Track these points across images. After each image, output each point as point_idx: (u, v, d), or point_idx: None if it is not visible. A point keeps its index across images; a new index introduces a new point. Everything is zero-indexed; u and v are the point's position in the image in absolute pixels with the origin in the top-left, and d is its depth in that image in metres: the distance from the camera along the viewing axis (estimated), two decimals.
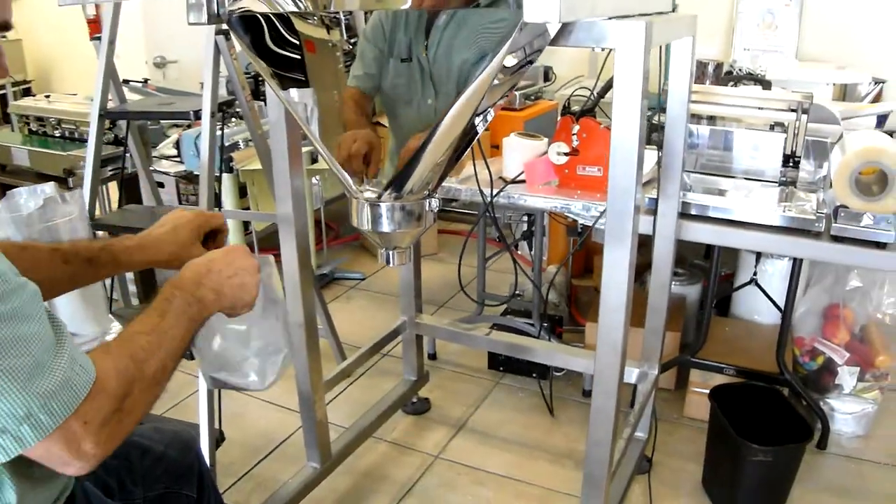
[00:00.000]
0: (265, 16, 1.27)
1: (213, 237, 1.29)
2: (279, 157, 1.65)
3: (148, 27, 4.42)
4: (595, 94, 2.24)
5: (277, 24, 1.27)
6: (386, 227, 1.37)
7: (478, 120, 1.24)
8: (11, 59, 3.55)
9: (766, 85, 2.52)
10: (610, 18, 1.19)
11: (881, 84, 2.97)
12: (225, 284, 1.04)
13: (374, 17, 1.26)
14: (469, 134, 1.27)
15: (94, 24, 2.55)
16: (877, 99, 2.97)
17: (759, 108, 2.10)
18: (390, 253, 1.45)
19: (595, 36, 1.19)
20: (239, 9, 1.28)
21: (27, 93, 5.03)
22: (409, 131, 1.33)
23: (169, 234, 1.20)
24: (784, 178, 2.12)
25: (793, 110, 2.05)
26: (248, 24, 1.30)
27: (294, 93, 1.33)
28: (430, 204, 1.38)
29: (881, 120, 2.53)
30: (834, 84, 2.80)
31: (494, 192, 2.15)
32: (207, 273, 1.03)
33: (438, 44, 1.18)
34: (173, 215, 1.25)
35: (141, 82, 3.82)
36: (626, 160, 1.26)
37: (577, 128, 2.12)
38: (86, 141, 2.47)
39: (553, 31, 1.17)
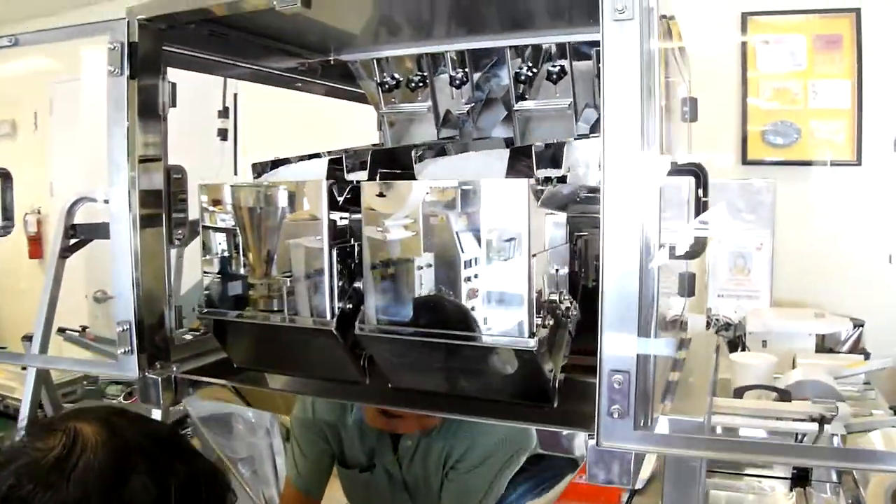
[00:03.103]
0: None
1: None
2: None
3: (90, 260, 4.36)
4: None
5: None
6: None
7: None
8: None
9: (784, 395, 2.41)
10: None
11: (860, 328, 2.93)
12: None
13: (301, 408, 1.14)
14: None
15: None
16: (856, 343, 2.92)
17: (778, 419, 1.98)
18: None
19: None
20: None
21: None
22: None
23: None
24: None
25: (814, 420, 1.93)
26: None
27: None
28: None
29: None
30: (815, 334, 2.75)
31: None
32: None
33: (416, 450, 1.05)
34: None
35: (78, 331, 3.65)
36: None
37: None
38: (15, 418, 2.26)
39: None
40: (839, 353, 2.84)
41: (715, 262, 3.23)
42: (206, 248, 1.38)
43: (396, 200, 1.14)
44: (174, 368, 1.44)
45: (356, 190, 1.21)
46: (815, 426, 1.95)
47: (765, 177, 3.25)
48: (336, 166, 1.32)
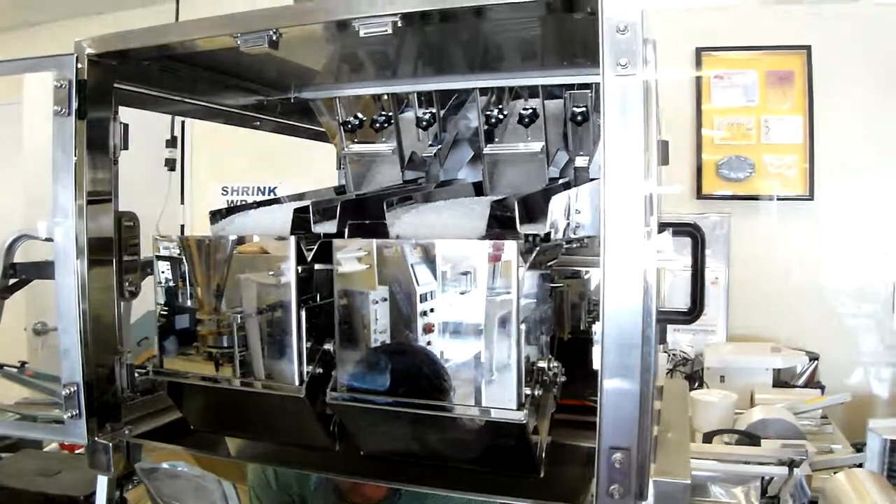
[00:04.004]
0: None
1: None
2: None
3: (30, 289, 4.15)
4: None
5: None
6: None
7: None
8: None
9: (752, 439, 2.39)
10: None
11: (815, 361, 2.95)
12: None
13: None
14: None
15: None
16: (812, 376, 2.94)
17: (746, 463, 1.96)
18: None
19: None
20: None
21: None
22: None
23: None
24: None
25: (783, 464, 1.92)
26: None
27: None
28: None
29: None
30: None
31: None
32: None
33: None
34: None
35: (16, 367, 3.45)
36: None
37: None
38: None
39: None
40: (795, 386, 2.85)
41: (670, 295, 3.22)
42: (161, 304, 1.28)
43: (372, 259, 1.07)
44: (126, 431, 1.33)
45: (326, 245, 1.13)
46: (784, 469, 1.93)
47: (719, 211, 3.27)
48: (301, 215, 1.23)
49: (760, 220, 3.29)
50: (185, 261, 1.26)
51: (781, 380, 2.87)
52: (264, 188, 3.92)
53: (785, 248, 3.24)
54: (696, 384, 2.87)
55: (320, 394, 1.12)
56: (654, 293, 0.94)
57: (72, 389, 1.27)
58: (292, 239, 1.13)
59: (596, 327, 1.49)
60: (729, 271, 3.25)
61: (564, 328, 1.40)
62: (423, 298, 1.04)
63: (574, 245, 1.39)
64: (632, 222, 0.91)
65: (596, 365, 1.19)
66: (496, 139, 1.57)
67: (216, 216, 1.32)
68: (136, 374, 1.39)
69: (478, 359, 1.01)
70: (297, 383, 1.13)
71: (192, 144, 4.03)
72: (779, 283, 3.21)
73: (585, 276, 1.52)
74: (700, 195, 3.36)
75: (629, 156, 0.91)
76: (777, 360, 2.82)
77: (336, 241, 1.10)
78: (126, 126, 1.39)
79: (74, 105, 1.28)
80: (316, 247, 1.15)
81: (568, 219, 1.20)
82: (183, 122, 3.78)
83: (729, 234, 3.25)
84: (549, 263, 1.20)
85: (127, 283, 1.40)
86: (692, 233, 1.04)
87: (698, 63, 3.35)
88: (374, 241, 1.07)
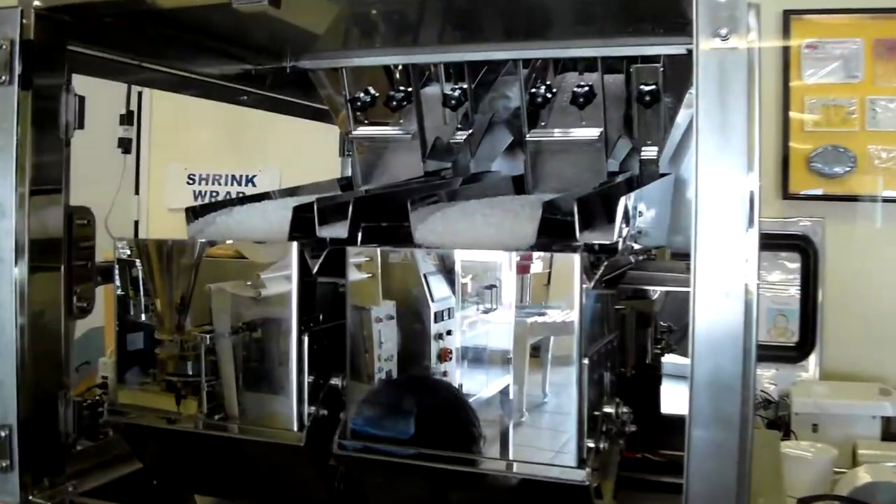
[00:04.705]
0: None
1: None
2: None
3: None
4: None
5: None
6: None
7: None
8: None
9: None
10: None
11: None
12: None
13: None
14: None
15: None
16: None
17: None
18: None
19: None
20: None
21: None
22: None
23: None
24: None
25: None
26: None
27: None
28: None
29: None
30: None
31: None
32: None
33: None
34: None
35: None
36: None
37: None
38: None
39: None
40: None
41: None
42: (120, 323, 1.28)
43: (396, 272, 1.07)
44: (70, 488, 1.32)
45: (336, 254, 1.13)
46: None
47: (811, 215, 3.23)
48: (301, 214, 1.23)
49: (862, 226, 3.26)
50: (152, 269, 1.26)
51: (893, 431, 2.84)
52: (241, 177, 3.92)
53: (892, 261, 3.21)
54: (782, 433, 2.84)
55: (325, 442, 1.12)
56: (754, 322, 0.93)
57: (3, 434, 1.27)
58: (294, 245, 1.13)
59: (666, 359, 1.50)
60: (823, 292, 3.22)
61: (628, 362, 1.39)
62: (458, 323, 1.05)
63: (639, 257, 1.39)
64: (731, 232, 0.91)
65: (667, 408, 1.18)
66: (542, 123, 1.57)
67: (194, 214, 1.32)
68: (86, 413, 1.39)
69: (529, 401, 1.00)
70: (295, 428, 1.13)
71: (151, 121, 4.03)
72: (885, 305, 3.18)
73: (653, 296, 1.52)
74: (786, 195, 3.33)
75: (730, 148, 0.91)
76: (886, 405, 2.77)
77: (350, 249, 1.10)
78: (82, 99, 1.39)
79: (17, 71, 1.27)
80: (324, 256, 1.15)
81: (629, 225, 1.19)
82: (140, 94, 3.79)
83: (823, 244, 3.22)
84: (615, 281, 1.19)
85: (76, 297, 1.39)
86: (801, 246, 1.03)
87: (786, 30, 3.32)
88: (402, 249, 1.08)
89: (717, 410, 0.91)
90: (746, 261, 0.91)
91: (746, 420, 0.92)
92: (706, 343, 0.92)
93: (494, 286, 1.02)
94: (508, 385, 1.02)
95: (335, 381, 1.15)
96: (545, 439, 1.01)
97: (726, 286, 0.91)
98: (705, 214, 0.91)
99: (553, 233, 1.11)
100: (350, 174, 1.74)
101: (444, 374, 1.05)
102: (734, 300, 0.91)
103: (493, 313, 1.03)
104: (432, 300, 1.06)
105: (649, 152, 1.53)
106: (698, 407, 0.92)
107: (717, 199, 0.91)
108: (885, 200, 3.26)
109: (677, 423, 1.11)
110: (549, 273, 1.02)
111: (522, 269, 1.03)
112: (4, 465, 1.26)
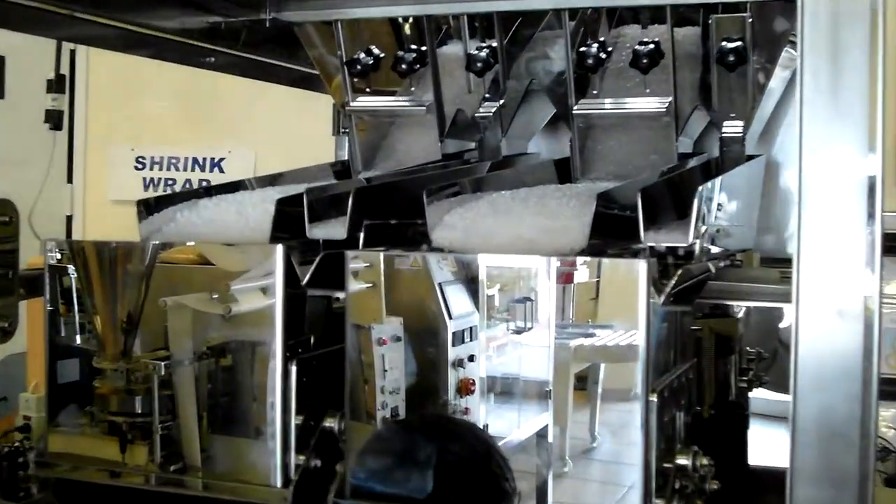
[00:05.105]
0: None
1: None
2: None
3: None
4: None
5: None
6: None
7: None
8: None
9: None
10: None
11: None
12: None
13: None
14: None
15: None
16: None
17: None
18: None
19: None
20: None
21: None
22: None
23: None
24: None
25: None
26: None
27: None
28: None
29: None
30: None
31: None
32: None
33: None
34: None
35: None
36: None
37: None
38: None
39: None
40: None
41: None
42: (53, 347, 1.29)
43: (405, 282, 1.08)
44: None
45: (331, 260, 1.14)
46: None
47: None
48: (286, 209, 1.23)
49: None
50: (91, 279, 1.27)
51: None
52: (204, 160, 3.93)
53: None
54: None
55: (317, 501, 1.13)
56: (875, 348, 0.93)
57: None
58: (279, 248, 1.14)
59: (754, 395, 1.51)
60: None
61: (706, 398, 1.39)
62: (482, 346, 1.06)
63: (720, 264, 1.39)
64: (846, 230, 0.91)
65: (756, 459, 1.18)
66: (593, 91, 1.57)
67: (147, 209, 1.33)
68: (3, 465, 1.40)
69: (574, 447, 1.02)
70: (278, 483, 1.13)
71: (88, 89, 4.05)
72: None
73: (737, 314, 1.52)
74: None
75: (844, 121, 0.91)
76: None
77: (350, 253, 1.10)
78: (2, 60, 1.40)
79: None
80: (316, 262, 1.15)
81: (706, 222, 1.20)
82: (73, 53, 3.81)
83: None
84: (689, 295, 1.19)
85: None
86: None
87: None
88: (413, 252, 1.08)
89: (828, 464, 0.91)
90: (866, 267, 0.90)
91: (866, 477, 0.92)
92: (813, 376, 0.92)
93: (529, 299, 1.03)
94: (547, 426, 1.03)
95: (330, 422, 1.15)
96: (595, 496, 1.02)
97: (839, 302, 0.91)
98: (811, 207, 0.91)
99: (609, 233, 1.11)
100: (347, 157, 1.75)
101: (466, 411, 1.06)
102: (850, 320, 0.90)
103: (526, 334, 1.04)
104: (450, 317, 1.07)
105: (733, 128, 1.53)
106: (802, 459, 0.92)
107: (826, 187, 0.91)
108: None
109: (771, 478, 1.12)
110: (598, 282, 1.02)
111: (565, 277, 1.04)
112: None
